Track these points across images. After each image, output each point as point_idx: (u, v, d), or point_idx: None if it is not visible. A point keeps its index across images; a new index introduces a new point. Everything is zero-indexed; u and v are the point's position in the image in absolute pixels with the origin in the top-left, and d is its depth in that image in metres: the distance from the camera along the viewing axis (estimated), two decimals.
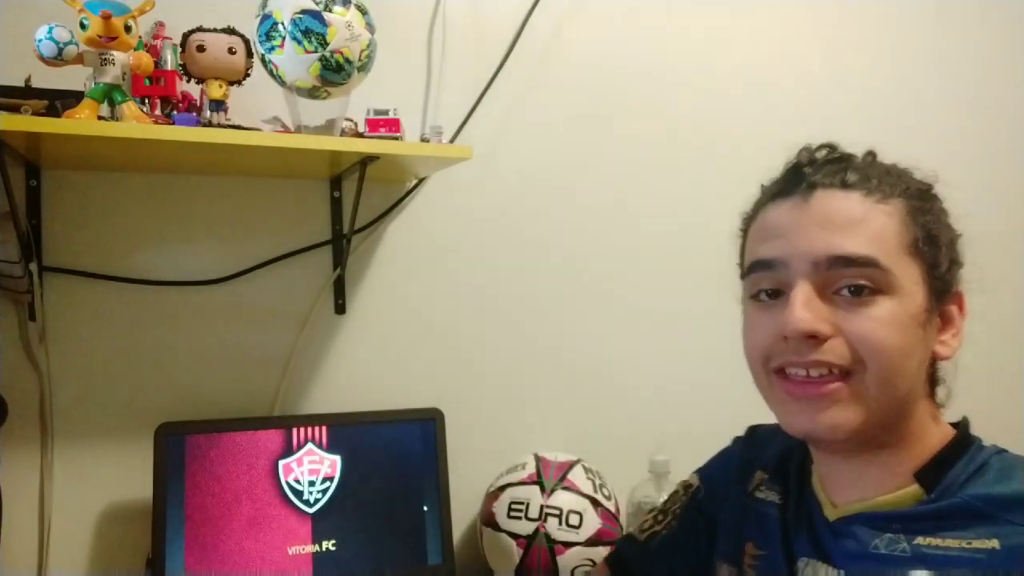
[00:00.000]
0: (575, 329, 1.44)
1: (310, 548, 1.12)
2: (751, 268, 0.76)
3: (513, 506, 1.21)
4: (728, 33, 1.58)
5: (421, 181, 1.35)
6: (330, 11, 0.99)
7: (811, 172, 0.73)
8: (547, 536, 1.19)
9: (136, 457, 1.15)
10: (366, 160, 1.11)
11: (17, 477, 1.11)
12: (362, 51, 1.02)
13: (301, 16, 0.98)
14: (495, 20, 1.39)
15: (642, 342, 1.48)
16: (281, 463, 1.13)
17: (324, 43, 0.99)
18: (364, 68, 1.04)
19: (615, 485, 1.28)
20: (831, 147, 0.77)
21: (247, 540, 1.10)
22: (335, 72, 1.01)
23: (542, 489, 1.22)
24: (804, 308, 0.69)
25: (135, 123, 0.96)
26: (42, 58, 0.92)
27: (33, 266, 1.10)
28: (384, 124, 1.12)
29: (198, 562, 1.07)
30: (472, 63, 1.37)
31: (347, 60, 1.01)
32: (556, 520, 1.19)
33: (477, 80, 1.37)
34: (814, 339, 0.69)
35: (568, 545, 1.19)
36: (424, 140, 1.19)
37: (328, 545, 1.13)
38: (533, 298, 1.42)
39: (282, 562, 1.10)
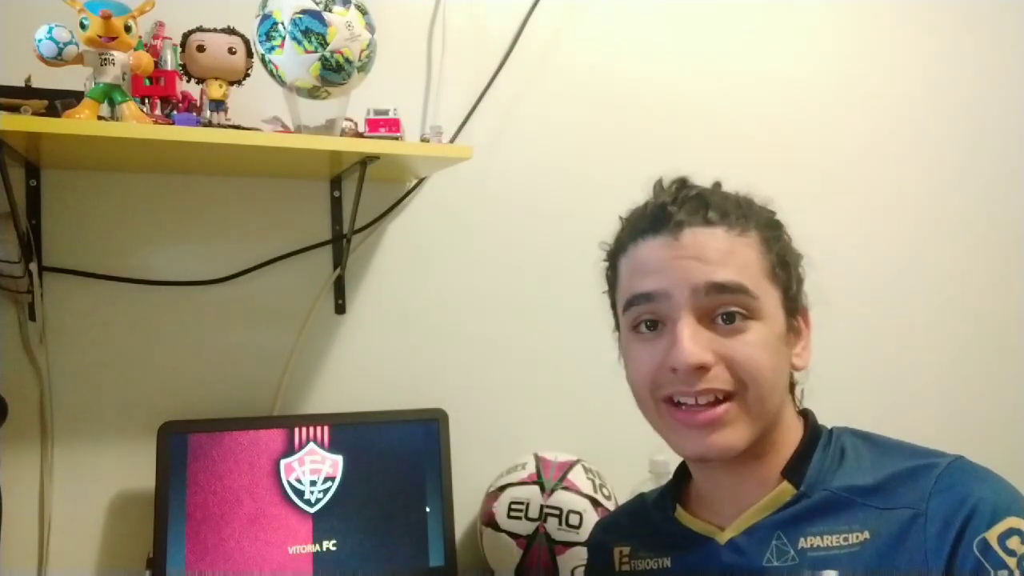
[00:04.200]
0: (576, 329, 1.44)
1: (311, 548, 1.12)
2: (631, 302, 0.78)
3: (513, 506, 1.21)
4: (728, 35, 1.58)
5: (421, 181, 1.35)
6: (330, 11, 0.99)
7: (676, 211, 0.77)
8: (547, 536, 1.19)
9: (135, 457, 1.15)
10: (366, 160, 1.11)
11: (17, 477, 1.11)
12: (362, 51, 1.02)
13: (301, 16, 0.98)
14: (495, 20, 1.39)
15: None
16: (283, 462, 1.13)
17: (324, 43, 0.99)
18: (364, 68, 1.04)
19: (615, 485, 1.28)
20: (684, 181, 0.81)
21: (248, 539, 1.10)
22: (335, 72, 1.01)
23: (542, 489, 1.22)
24: (692, 341, 0.72)
25: (135, 123, 0.96)
26: (42, 58, 0.92)
27: (33, 266, 1.10)
28: (384, 124, 1.12)
29: (199, 561, 1.07)
30: (472, 63, 1.37)
31: (347, 60, 1.01)
32: (556, 520, 1.19)
33: (477, 80, 1.37)
34: (701, 369, 0.72)
35: (568, 545, 1.19)
36: (424, 140, 1.19)
37: (328, 545, 1.13)
38: (533, 298, 1.42)
39: (282, 561, 1.10)
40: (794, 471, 0.77)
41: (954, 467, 0.72)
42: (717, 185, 0.82)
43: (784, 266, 0.79)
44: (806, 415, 0.83)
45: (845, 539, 0.72)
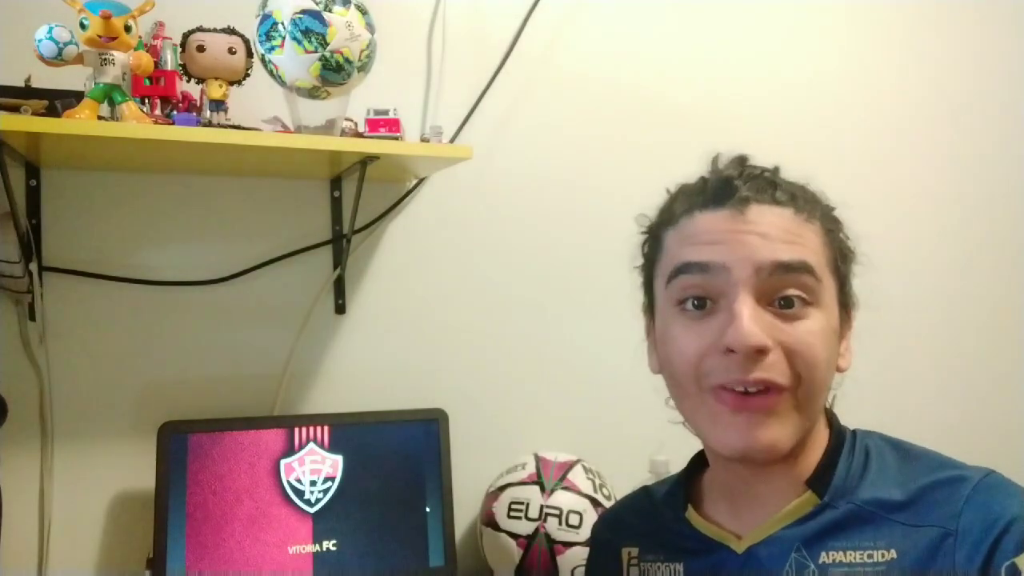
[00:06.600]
0: (576, 329, 1.44)
1: (311, 548, 1.12)
2: (681, 270, 0.72)
3: (513, 506, 1.21)
4: (728, 33, 1.58)
5: (421, 181, 1.35)
6: (330, 11, 0.99)
7: (741, 185, 0.72)
8: (547, 536, 1.19)
9: (135, 456, 1.15)
10: (366, 160, 1.11)
11: (17, 477, 1.11)
12: (362, 51, 1.02)
13: (301, 16, 0.98)
14: (495, 20, 1.39)
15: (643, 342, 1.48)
16: (283, 462, 1.13)
17: (324, 43, 0.99)
18: (364, 68, 1.04)
19: (615, 485, 1.28)
20: (745, 158, 0.77)
21: (248, 539, 1.10)
22: (335, 72, 1.01)
23: (542, 489, 1.22)
24: (752, 321, 0.67)
25: (135, 123, 0.96)
26: (42, 58, 0.92)
27: (33, 266, 1.10)
28: (384, 124, 1.12)
29: (199, 561, 1.07)
30: (472, 63, 1.37)
31: (347, 60, 1.01)
32: (556, 520, 1.19)
33: (477, 80, 1.37)
34: (759, 354, 0.67)
35: (568, 545, 1.19)
36: (424, 140, 1.19)
37: (329, 545, 1.13)
38: (533, 298, 1.42)
39: (283, 561, 1.10)
40: (819, 480, 0.72)
41: (985, 483, 0.67)
42: (776, 169, 0.77)
43: (844, 260, 0.75)
44: (829, 417, 0.77)
45: (870, 556, 0.68)
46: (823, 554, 0.69)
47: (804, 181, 0.77)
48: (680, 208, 0.75)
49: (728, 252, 0.69)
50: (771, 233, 0.69)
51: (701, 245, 0.71)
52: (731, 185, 0.72)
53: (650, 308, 0.81)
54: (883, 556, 0.67)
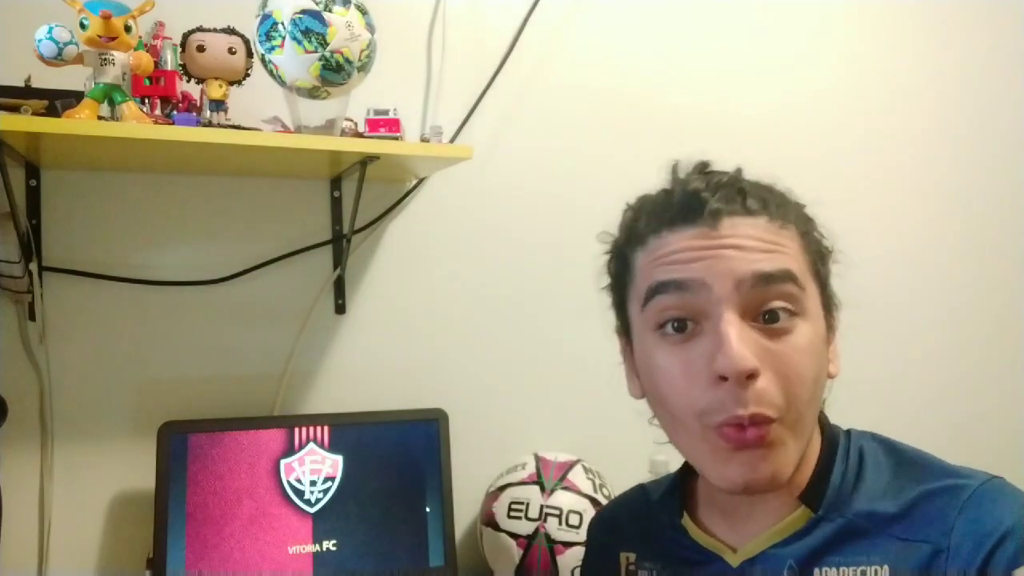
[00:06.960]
0: (576, 329, 1.44)
1: (310, 548, 1.12)
2: (657, 290, 0.67)
3: (513, 506, 1.21)
4: (728, 33, 1.58)
5: (421, 181, 1.35)
6: (330, 11, 0.99)
7: (710, 197, 0.67)
8: (547, 536, 1.19)
9: (135, 457, 1.16)
10: (366, 160, 1.11)
11: (17, 477, 1.12)
12: (362, 51, 1.02)
13: (301, 16, 0.98)
14: (495, 20, 1.39)
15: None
16: (283, 462, 1.13)
17: (324, 43, 0.99)
18: (364, 68, 1.04)
19: (615, 485, 1.28)
20: (707, 164, 0.73)
21: (248, 539, 1.10)
22: (335, 72, 1.01)
23: (542, 489, 1.22)
24: (741, 343, 0.63)
25: (135, 123, 0.96)
26: (42, 58, 0.93)
27: (33, 266, 1.10)
28: (384, 124, 1.12)
29: (199, 561, 1.07)
30: (472, 63, 1.37)
31: (347, 60, 1.01)
32: (556, 520, 1.20)
33: (477, 80, 1.37)
34: (751, 378, 0.63)
35: (568, 545, 1.19)
36: (424, 140, 1.19)
37: (329, 545, 1.13)
38: (533, 298, 1.42)
39: (282, 561, 1.10)
40: (812, 493, 0.70)
41: (982, 492, 0.64)
42: (739, 171, 0.72)
43: (823, 262, 0.72)
44: (821, 421, 0.74)
45: (863, 572, 0.66)
46: (816, 571, 0.67)
47: (770, 180, 0.73)
48: (646, 227, 0.72)
49: (705, 268, 0.66)
50: (748, 244, 0.66)
51: (675, 264, 0.68)
52: (699, 199, 0.68)
53: (624, 330, 0.77)
54: (876, 573, 0.65)
